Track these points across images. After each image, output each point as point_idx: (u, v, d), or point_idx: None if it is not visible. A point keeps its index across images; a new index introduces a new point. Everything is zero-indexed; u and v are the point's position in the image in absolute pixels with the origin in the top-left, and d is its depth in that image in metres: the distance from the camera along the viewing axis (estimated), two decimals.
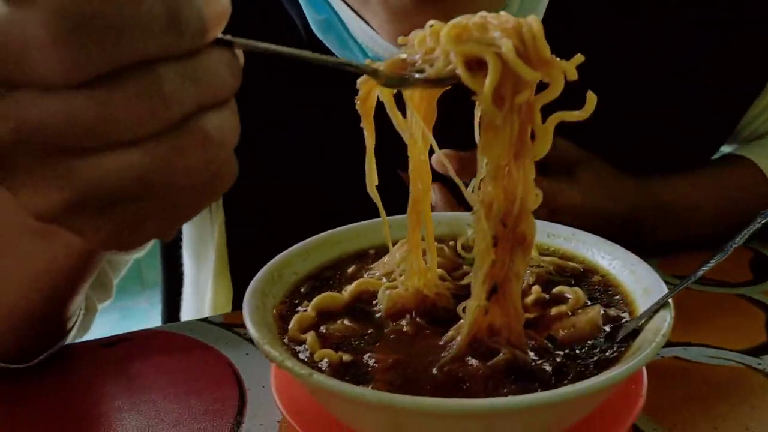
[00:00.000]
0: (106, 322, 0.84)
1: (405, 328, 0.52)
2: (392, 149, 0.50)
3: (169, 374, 0.63)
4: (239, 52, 0.36)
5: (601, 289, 0.57)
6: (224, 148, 0.36)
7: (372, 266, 0.60)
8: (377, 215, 0.53)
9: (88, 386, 0.63)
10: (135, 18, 0.31)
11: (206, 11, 0.33)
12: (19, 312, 0.59)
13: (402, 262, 0.57)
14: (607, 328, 0.51)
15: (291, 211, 0.82)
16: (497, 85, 0.42)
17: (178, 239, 0.90)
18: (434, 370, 0.47)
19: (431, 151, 0.51)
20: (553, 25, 0.72)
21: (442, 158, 0.49)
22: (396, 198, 0.53)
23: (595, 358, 0.48)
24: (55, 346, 0.65)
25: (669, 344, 0.55)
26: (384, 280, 0.57)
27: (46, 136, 0.32)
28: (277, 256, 0.57)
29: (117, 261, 0.85)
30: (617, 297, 0.55)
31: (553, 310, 0.53)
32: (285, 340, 0.51)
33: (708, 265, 0.51)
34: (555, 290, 0.56)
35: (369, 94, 0.48)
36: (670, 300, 0.49)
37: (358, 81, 0.47)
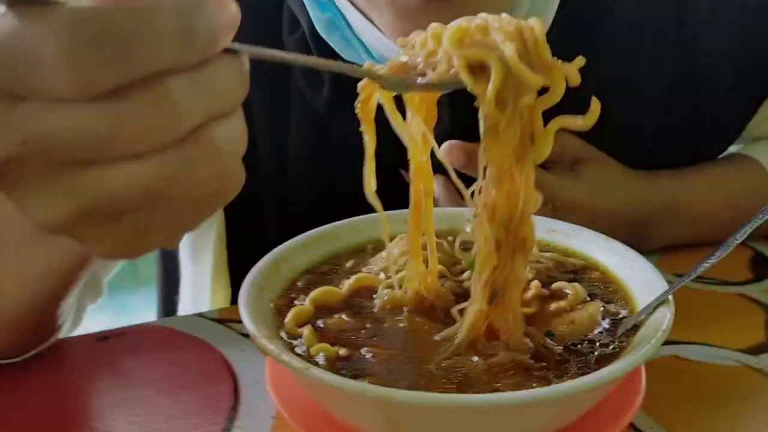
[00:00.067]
0: (101, 319, 0.83)
1: (402, 324, 0.52)
2: (396, 151, 0.50)
3: (163, 369, 0.62)
4: (245, 59, 0.36)
5: (601, 285, 0.56)
6: (232, 157, 0.36)
7: (370, 261, 0.59)
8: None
9: (82, 380, 0.62)
10: (147, 32, 0.31)
11: (216, 21, 0.33)
12: (14, 312, 0.59)
13: (401, 257, 0.57)
14: (607, 324, 0.51)
15: (290, 211, 0.82)
16: (499, 89, 0.42)
17: None
18: (432, 366, 0.47)
19: (432, 154, 0.50)
20: (562, 30, 0.72)
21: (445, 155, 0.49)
22: (400, 198, 0.53)
23: (595, 354, 0.48)
24: (47, 342, 0.65)
25: (668, 342, 0.55)
26: (382, 275, 0.57)
27: (55, 148, 0.32)
28: (275, 250, 0.57)
29: (108, 261, 0.84)
30: (617, 293, 0.55)
31: (553, 306, 0.53)
32: (281, 334, 0.50)
33: (710, 261, 0.50)
34: (554, 286, 0.55)
35: (370, 97, 0.47)
36: (670, 296, 0.49)
37: (359, 85, 0.47)
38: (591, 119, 0.44)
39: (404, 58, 0.45)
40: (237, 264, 0.83)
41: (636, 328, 0.50)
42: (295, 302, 0.54)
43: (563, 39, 0.71)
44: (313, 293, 0.54)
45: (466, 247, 0.56)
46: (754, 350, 0.63)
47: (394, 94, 0.47)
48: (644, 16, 0.79)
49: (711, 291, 0.73)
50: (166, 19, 0.31)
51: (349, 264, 0.59)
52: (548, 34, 0.69)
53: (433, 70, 0.44)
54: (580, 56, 0.44)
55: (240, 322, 0.48)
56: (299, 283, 0.56)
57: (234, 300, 0.82)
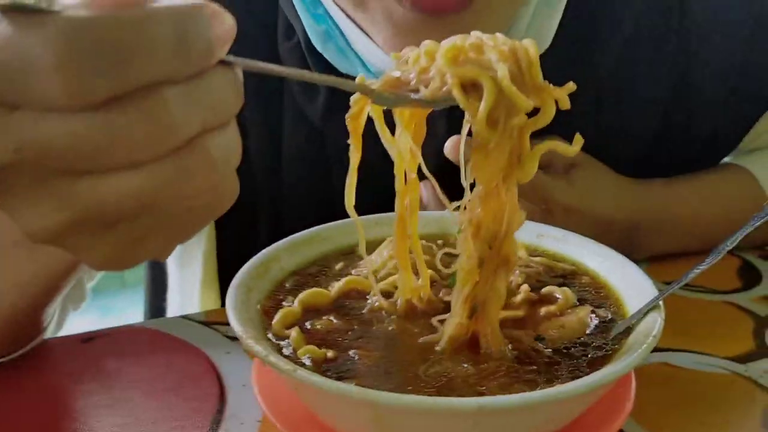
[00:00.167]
0: (85, 320, 0.83)
1: (391, 327, 0.52)
2: (388, 163, 0.50)
3: (149, 371, 0.62)
4: (239, 71, 0.36)
5: (591, 290, 0.56)
6: (227, 168, 0.35)
7: (360, 263, 0.59)
8: None
9: (66, 381, 0.61)
10: (144, 42, 0.31)
11: (212, 33, 0.33)
12: (1, 316, 0.58)
13: (390, 260, 0.57)
14: (597, 329, 0.51)
15: (283, 221, 0.81)
16: (491, 109, 0.43)
17: None
18: (419, 369, 0.47)
19: (419, 170, 0.50)
20: (562, 46, 0.72)
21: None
22: (390, 210, 0.53)
23: (585, 359, 0.48)
24: (31, 344, 0.64)
25: (657, 350, 0.55)
26: (371, 278, 0.56)
27: (49, 156, 0.31)
28: (263, 251, 0.57)
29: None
30: (607, 298, 0.55)
31: (543, 310, 0.53)
32: (269, 336, 0.50)
33: (699, 268, 0.50)
34: (544, 290, 0.55)
35: (361, 111, 0.47)
36: (660, 302, 0.49)
37: (352, 98, 0.47)
38: (577, 148, 0.45)
39: (397, 74, 0.46)
40: (227, 274, 0.83)
41: (626, 333, 0.49)
42: (283, 304, 0.53)
43: (563, 55, 0.71)
44: (302, 295, 0.54)
45: (449, 255, 0.56)
46: (743, 358, 0.63)
47: (385, 108, 0.47)
48: (643, 30, 0.80)
49: (700, 299, 0.73)
50: (162, 30, 0.31)
51: (338, 266, 0.59)
52: (548, 50, 0.70)
53: (426, 87, 0.44)
54: (571, 82, 0.44)
55: (227, 324, 0.48)
56: (287, 285, 0.56)
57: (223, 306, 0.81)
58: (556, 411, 0.44)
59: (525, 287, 0.55)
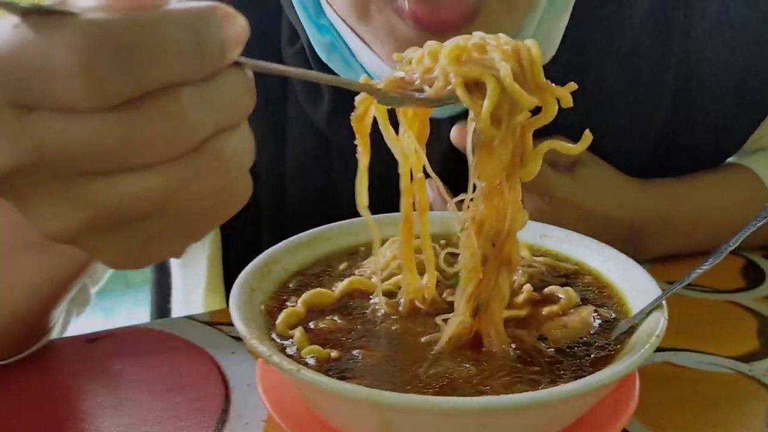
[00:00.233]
0: (90, 322, 0.83)
1: (395, 327, 0.52)
2: (393, 164, 0.50)
3: (153, 371, 0.62)
4: (249, 72, 0.36)
5: (594, 289, 0.56)
6: (240, 168, 0.36)
7: (363, 264, 0.59)
8: None
9: (71, 382, 0.62)
10: (161, 45, 0.31)
11: (225, 35, 0.34)
12: (6, 317, 0.58)
13: (393, 261, 0.57)
14: (600, 328, 0.51)
15: (287, 225, 0.81)
16: (495, 107, 0.43)
17: None
18: (422, 369, 0.47)
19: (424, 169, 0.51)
20: (566, 56, 0.72)
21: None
22: (396, 211, 0.53)
23: (588, 359, 0.48)
24: (36, 345, 0.64)
25: (660, 349, 0.55)
26: (374, 279, 0.56)
27: (67, 157, 0.32)
28: (266, 251, 0.57)
29: (96, 270, 0.84)
30: (610, 298, 0.55)
31: (545, 310, 0.53)
32: (273, 336, 0.50)
33: (703, 267, 0.50)
34: (547, 290, 0.55)
35: (366, 112, 0.48)
36: (664, 301, 0.49)
37: (357, 99, 0.47)
38: (582, 146, 0.45)
39: (401, 74, 0.46)
40: (232, 278, 0.83)
41: (630, 332, 0.49)
42: (287, 304, 0.54)
43: (567, 64, 0.71)
44: (305, 295, 0.54)
45: (452, 255, 0.56)
46: (747, 358, 0.63)
47: (389, 108, 0.48)
48: (648, 31, 0.80)
49: (703, 299, 0.73)
50: (178, 32, 0.32)
51: (342, 266, 0.59)
52: (553, 60, 0.70)
53: (430, 87, 0.45)
54: (572, 82, 0.45)
55: (231, 324, 0.48)
56: (291, 285, 0.56)
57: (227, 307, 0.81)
58: (560, 410, 0.44)
59: (528, 287, 0.55)
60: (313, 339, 0.49)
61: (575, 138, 0.46)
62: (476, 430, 0.42)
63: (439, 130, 0.67)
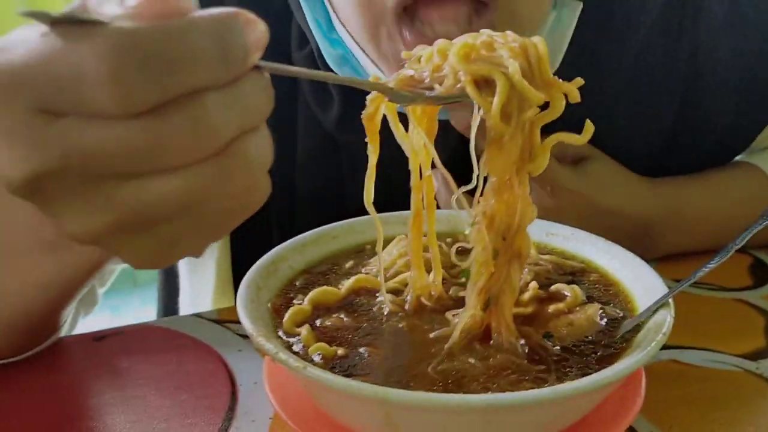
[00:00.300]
0: (98, 320, 0.83)
1: (401, 324, 0.52)
2: (403, 165, 0.51)
3: (160, 369, 0.62)
4: (267, 74, 0.37)
5: (600, 287, 0.56)
6: (262, 168, 0.37)
7: (369, 262, 0.59)
8: None
9: (78, 380, 0.62)
10: (188, 51, 0.32)
11: (248, 40, 0.34)
12: (18, 315, 0.59)
13: (399, 258, 0.57)
14: (606, 327, 0.51)
15: (297, 227, 0.81)
16: (504, 103, 0.44)
17: None
18: (429, 366, 0.47)
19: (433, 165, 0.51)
20: (573, 60, 0.72)
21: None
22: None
23: (594, 357, 0.48)
24: (45, 343, 0.64)
25: (666, 347, 0.55)
26: (380, 277, 0.56)
27: (94, 162, 0.33)
28: (273, 250, 0.57)
29: (104, 272, 0.84)
30: (617, 296, 0.55)
31: (551, 308, 0.53)
32: (279, 334, 0.50)
33: (710, 265, 0.50)
34: (553, 288, 0.55)
35: (377, 110, 0.48)
36: (670, 299, 0.49)
37: (368, 98, 0.48)
38: (586, 136, 0.46)
39: (410, 72, 0.47)
40: (241, 278, 0.83)
41: (636, 330, 0.49)
42: (293, 302, 0.54)
43: (573, 68, 0.71)
44: (312, 293, 0.54)
45: (462, 250, 0.56)
46: (754, 356, 0.63)
47: (399, 106, 0.48)
48: (658, 29, 0.79)
49: (710, 296, 0.73)
50: (204, 40, 0.33)
51: (348, 265, 0.59)
52: (560, 65, 0.69)
53: (440, 85, 0.45)
54: (579, 77, 0.45)
55: (238, 322, 0.48)
56: (297, 283, 0.56)
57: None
58: (565, 408, 0.44)
59: (533, 284, 0.55)
60: (320, 337, 0.50)
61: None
62: (482, 427, 0.42)
63: (445, 131, 0.67)
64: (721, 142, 0.85)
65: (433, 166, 0.50)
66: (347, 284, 0.55)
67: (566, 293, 0.54)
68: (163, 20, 0.32)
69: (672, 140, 0.83)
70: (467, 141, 0.46)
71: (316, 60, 0.76)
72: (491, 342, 0.49)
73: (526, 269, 0.57)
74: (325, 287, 0.55)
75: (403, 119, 0.50)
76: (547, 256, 0.60)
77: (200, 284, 0.85)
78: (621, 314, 0.52)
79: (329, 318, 0.52)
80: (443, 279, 0.56)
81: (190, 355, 0.64)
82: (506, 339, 0.49)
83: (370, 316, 0.53)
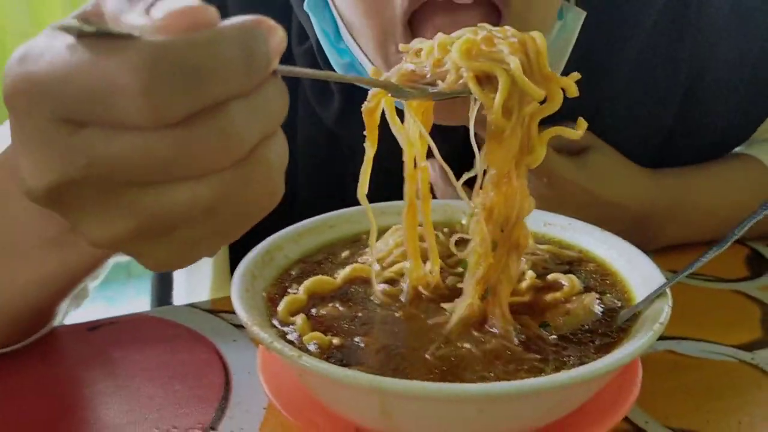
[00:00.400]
0: (92, 311, 0.83)
1: (397, 314, 0.52)
2: (399, 158, 0.51)
3: (154, 359, 0.62)
4: (281, 78, 0.37)
5: (598, 277, 0.56)
6: (280, 172, 0.37)
7: (365, 251, 0.59)
8: None
9: (72, 370, 0.62)
10: (216, 62, 0.32)
11: (270, 48, 0.35)
12: (24, 308, 0.59)
13: (395, 248, 0.57)
14: (603, 316, 0.51)
15: (294, 220, 0.81)
16: (505, 99, 0.45)
17: None
18: (425, 355, 0.47)
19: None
20: (575, 61, 0.72)
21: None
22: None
23: (591, 346, 0.48)
24: (38, 333, 0.64)
25: (663, 337, 0.55)
26: (377, 266, 0.56)
27: (118, 171, 0.33)
28: (268, 239, 0.57)
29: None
30: (614, 285, 0.55)
31: (548, 297, 0.53)
32: (274, 323, 0.50)
33: (708, 255, 0.50)
34: (550, 277, 0.55)
35: (378, 105, 0.49)
36: (667, 289, 0.49)
37: (370, 92, 0.48)
38: (579, 133, 0.47)
39: (411, 67, 0.47)
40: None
41: (633, 320, 0.49)
42: (289, 291, 0.53)
43: (574, 68, 0.71)
44: (307, 282, 0.54)
45: (461, 240, 0.56)
46: (749, 346, 0.63)
47: (396, 100, 0.49)
48: (662, 24, 0.79)
49: (706, 287, 0.73)
50: (231, 50, 0.33)
51: (344, 254, 0.59)
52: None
53: (442, 81, 0.46)
54: (576, 72, 0.46)
55: (232, 312, 0.48)
56: (293, 273, 0.56)
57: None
58: (561, 397, 0.44)
59: (530, 274, 0.55)
60: (315, 326, 0.49)
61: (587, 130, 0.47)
62: (476, 416, 0.42)
63: (444, 126, 0.67)
64: (722, 141, 0.85)
65: (432, 158, 0.50)
66: (343, 273, 0.55)
67: (563, 282, 0.54)
68: (192, 32, 0.32)
69: (672, 140, 0.83)
70: (467, 135, 0.47)
71: (315, 55, 0.76)
72: (486, 326, 0.49)
73: (523, 258, 0.56)
74: (320, 276, 0.55)
75: (399, 113, 0.50)
76: (544, 246, 0.60)
77: (197, 278, 0.85)
78: (618, 304, 0.52)
79: (324, 307, 0.52)
80: (441, 269, 0.55)
81: (184, 345, 0.64)
82: (502, 327, 0.49)
83: (366, 306, 0.52)
